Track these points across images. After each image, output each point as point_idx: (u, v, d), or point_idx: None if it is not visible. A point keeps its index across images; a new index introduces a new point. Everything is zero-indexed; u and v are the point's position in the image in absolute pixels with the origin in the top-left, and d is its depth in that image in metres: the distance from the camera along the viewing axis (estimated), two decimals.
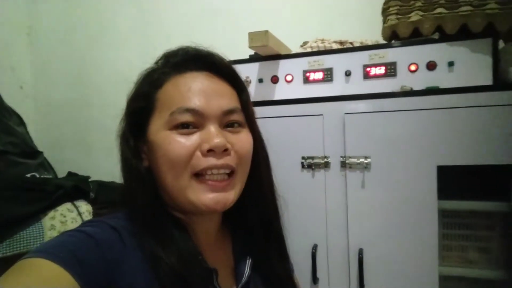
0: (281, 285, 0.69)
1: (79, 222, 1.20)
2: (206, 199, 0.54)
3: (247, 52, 1.10)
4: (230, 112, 0.58)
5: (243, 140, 0.59)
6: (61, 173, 1.66)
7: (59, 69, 1.94)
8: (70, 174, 1.61)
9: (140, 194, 0.56)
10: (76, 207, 1.24)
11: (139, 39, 1.79)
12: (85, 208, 1.27)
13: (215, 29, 1.66)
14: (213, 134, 0.54)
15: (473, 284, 0.95)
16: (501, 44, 0.97)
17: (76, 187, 1.29)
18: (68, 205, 1.23)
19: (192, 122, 0.55)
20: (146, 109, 0.58)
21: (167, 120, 0.55)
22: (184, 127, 0.54)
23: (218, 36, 1.65)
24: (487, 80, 0.90)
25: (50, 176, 1.48)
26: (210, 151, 0.54)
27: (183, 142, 0.54)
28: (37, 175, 1.38)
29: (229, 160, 0.56)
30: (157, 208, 0.57)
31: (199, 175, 0.55)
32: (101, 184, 1.42)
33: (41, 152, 1.60)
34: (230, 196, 0.57)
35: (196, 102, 0.55)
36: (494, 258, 0.91)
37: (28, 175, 1.35)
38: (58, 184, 1.25)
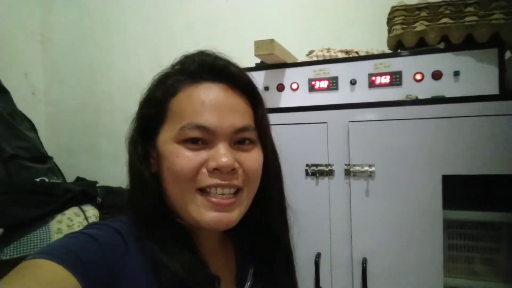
0: None
1: None
2: (208, 218, 0.54)
3: (253, 60, 1.11)
4: (242, 130, 0.56)
5: (252, 158, 0.58)
6: (70, 178, 1.69)
7: (70, 75, 1.98)
8: (78, 179, 1.63)
9: (144, 199, 0.56)
10: (83, 211, 1.25)
11: (147, 47, 1.83)
12: (92, 213, 1.29)
13: (221, 37, 1.68)
14: (221, 154, 0.53)
15: None
16: (508, 54, 0.97)
17: (84, 192, 1.31)
18: (75, 209, 1.25)
19: (202, 138, 0.54)
20: (158, 117, 0.57)
21: (176, 133, 0.54)
22: (193, 142, 0.54)
23: (224, 44, 1.62)
24: (493, 89, 0.90)
25: (59, 181, 1.50)
26: (216, 170, 0.53)
27: (190, 157, 0.53)
28: (46, 180, 1.40)
29: (235, 179, 0.55)
30: (161, 214, 0.56)
31: (203, 191, 0.54)
32: (108, 189, 1.44)
33: (51, 157, 1.63)
34: (233, 216, 0.56)
35: (208, 118, 0.53)
36: (501, 271, 0.89)
37: (38, 179, 1.37)
38: (66, 188, 1.27)
